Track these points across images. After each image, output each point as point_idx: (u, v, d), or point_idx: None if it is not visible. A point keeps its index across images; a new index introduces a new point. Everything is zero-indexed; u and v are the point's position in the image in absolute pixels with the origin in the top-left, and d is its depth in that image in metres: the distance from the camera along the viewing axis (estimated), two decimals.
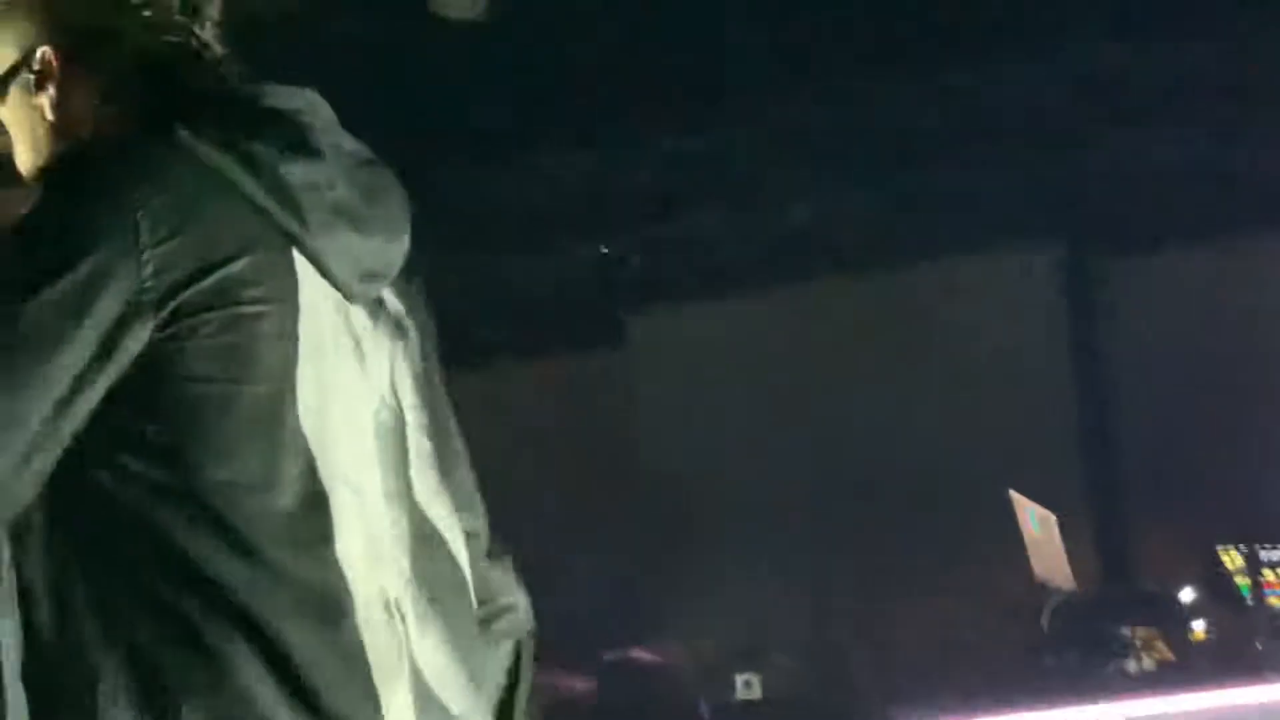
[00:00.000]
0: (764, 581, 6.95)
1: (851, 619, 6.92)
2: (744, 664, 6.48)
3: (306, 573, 1.56)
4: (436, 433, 1.76)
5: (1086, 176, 6.70)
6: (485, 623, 1.76)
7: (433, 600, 1.69)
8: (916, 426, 7.01)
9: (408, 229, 1.76)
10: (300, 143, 1.66)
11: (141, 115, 1.70)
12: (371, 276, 1.70)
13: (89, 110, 1.73)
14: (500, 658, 1.79)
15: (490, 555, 1.81)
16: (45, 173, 1.72)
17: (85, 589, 1.54)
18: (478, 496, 1.82)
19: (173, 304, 1.52)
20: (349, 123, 1.77)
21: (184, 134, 1.60)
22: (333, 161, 1.68)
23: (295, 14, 5.09)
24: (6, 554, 1.57)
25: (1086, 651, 5.06)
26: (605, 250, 7.23)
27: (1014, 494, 5.43)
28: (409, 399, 1.73)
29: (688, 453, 7.38)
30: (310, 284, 1.62)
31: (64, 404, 1.51)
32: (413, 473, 1.73)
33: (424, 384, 1.77)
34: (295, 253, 1.62)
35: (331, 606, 1.56)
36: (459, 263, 6.25)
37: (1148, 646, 5.02)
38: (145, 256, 1.52)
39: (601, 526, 7.45)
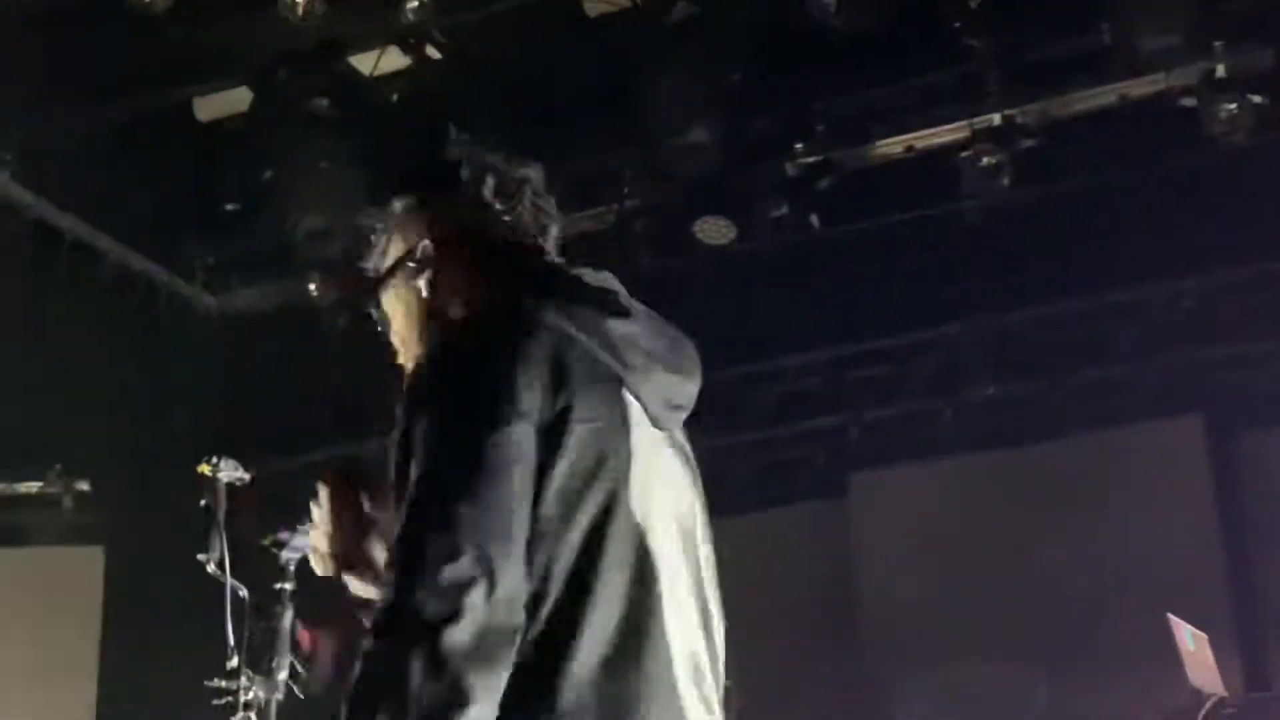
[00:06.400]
0: (970, 690, 7.16)
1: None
2: None
3: None
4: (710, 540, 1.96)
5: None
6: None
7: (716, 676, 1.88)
8: (1091, 564, 7.31)
9: (699, 373, 1.95)
10: (615, 306, 1.87)
11: (499, 292, 1.86)
12: (675, 408, 1.89)
13: (458, 289, 1.93)
14: None
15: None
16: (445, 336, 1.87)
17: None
18: None
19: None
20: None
21: (530, 303, 1.79)
22: (640, 319, 1.88)
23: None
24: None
25: None
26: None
27: (1171, 617, 5.56)
28: (698, 511, 1.94)
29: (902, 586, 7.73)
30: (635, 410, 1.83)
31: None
32: (704, 572, 1.90)
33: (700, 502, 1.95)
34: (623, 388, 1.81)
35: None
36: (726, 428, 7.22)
37: None
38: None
39: (829, 643, 7.95)
